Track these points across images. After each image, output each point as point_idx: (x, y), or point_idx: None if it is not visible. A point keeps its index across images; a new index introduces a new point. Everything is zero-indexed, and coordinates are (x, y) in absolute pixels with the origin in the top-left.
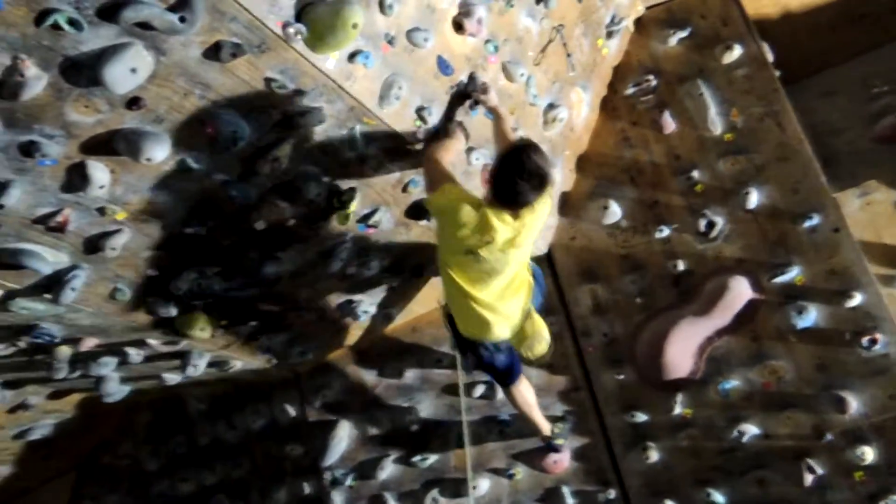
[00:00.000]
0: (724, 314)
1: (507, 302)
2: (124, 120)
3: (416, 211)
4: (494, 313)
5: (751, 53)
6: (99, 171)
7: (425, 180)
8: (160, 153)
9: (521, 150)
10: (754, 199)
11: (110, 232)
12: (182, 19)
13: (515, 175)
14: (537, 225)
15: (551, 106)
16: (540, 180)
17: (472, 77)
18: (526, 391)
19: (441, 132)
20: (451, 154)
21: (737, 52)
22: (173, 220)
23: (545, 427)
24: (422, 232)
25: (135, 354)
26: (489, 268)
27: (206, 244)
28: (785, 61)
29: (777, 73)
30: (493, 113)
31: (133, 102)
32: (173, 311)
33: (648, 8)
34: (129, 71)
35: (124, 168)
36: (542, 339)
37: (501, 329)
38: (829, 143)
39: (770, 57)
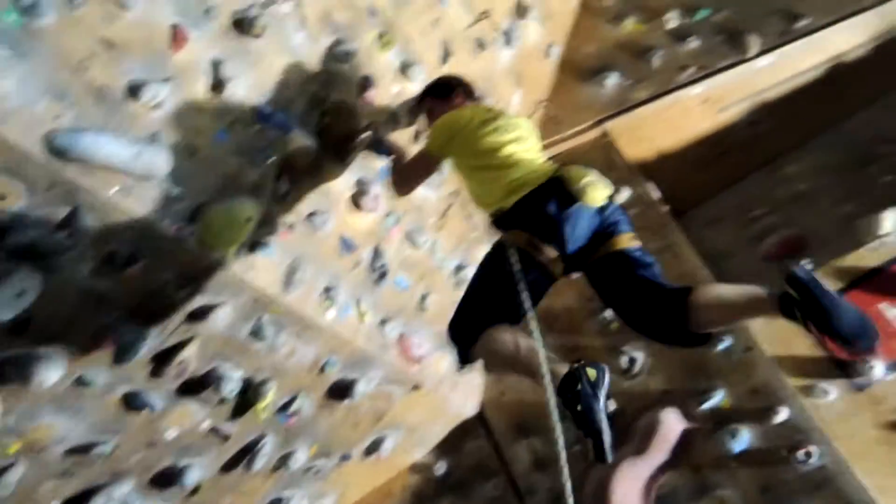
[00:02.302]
0: (661, 449)
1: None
2: (11, 346)
3: (338, 391)
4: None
5: (638, 194)
6: None
7: (410, 171)
8: (54, 375)
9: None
10: None
11: (3, 469)
12: (70, 236)
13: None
14: None
15: (459, 267)
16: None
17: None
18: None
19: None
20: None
21: (625, 193)
22: (75, 441)
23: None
24: (346, 413)
25: None
26: (511, 131)
27: (113, 462)
28: (670, 196)
29: (666, 209)
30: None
31: (21, 327)
32: None
33: None
34: (14, 296)
35: (15, 396)
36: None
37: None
38: (724, 267)
39: (656, 194)
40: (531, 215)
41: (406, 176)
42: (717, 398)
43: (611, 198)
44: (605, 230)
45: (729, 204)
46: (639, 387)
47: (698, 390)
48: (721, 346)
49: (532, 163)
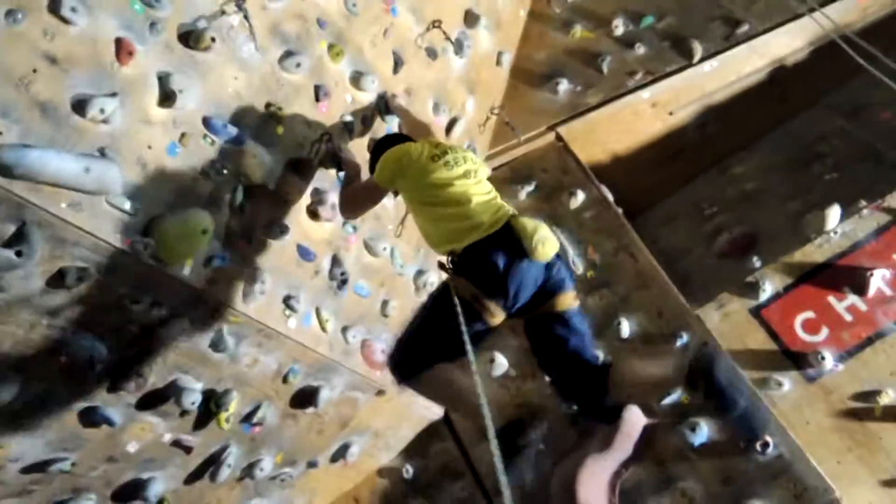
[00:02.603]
0: (624, 445)
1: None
2: None
3: (302, 399)
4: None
5: (593, 196)
6: None
7: (358, 198)
8: (7, 393)
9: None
10: (626, 328)
11: None
12: (19, 253)
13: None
14: None
15: (419, 272)
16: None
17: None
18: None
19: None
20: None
21: (580, 196)
22: (33, 459)
23: None
24: (311, 420)
25: None
26: (461, 165)
27: (73, 478)
28: (624, 198)
29: (620, 210)
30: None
31: None
32: None
33: (494, 169)
34: None
35: None
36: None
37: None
38: (679, 265)
39: (610, 196)
40: (478, 266)
41: (353, 202)
42: (677, 393)
43: (559, 252)
44: (548, 286)
45: (682, 204)
46: None
47: None
48: (678, 343)
49: (481, 198)
